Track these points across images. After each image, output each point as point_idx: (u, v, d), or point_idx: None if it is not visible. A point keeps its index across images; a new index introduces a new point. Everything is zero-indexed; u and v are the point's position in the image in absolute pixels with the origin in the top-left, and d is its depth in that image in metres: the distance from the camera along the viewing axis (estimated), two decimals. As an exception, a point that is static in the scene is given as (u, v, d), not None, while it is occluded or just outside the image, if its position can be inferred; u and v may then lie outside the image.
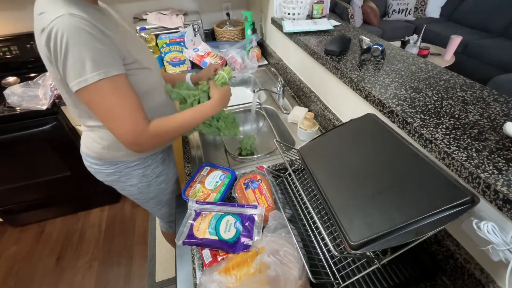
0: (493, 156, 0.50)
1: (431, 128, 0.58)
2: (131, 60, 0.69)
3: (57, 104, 1.44)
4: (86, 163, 0.91)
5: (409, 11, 3.74)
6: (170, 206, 1.14)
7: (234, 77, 1.51)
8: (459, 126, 0.58)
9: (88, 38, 0.58)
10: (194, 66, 1.68)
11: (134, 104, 0.67)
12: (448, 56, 2.65)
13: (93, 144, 0.83)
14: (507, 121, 0.53)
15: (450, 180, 0.47)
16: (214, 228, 0.69)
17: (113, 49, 0.63)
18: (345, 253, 0.51)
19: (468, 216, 0.53)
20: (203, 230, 0.69)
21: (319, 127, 1.10)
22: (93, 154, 0.85)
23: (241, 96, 1.41)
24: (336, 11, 3.25)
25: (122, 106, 0.65)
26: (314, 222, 0.70)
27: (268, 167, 0.94)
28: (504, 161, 0.49)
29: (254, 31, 1.72)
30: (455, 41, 2.55)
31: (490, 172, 0.47)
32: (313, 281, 0.53)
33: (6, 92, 1.39)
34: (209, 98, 0.87)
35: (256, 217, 0.71)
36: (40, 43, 0.60)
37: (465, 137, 0.55)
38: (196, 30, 1.70)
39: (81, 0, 0.63)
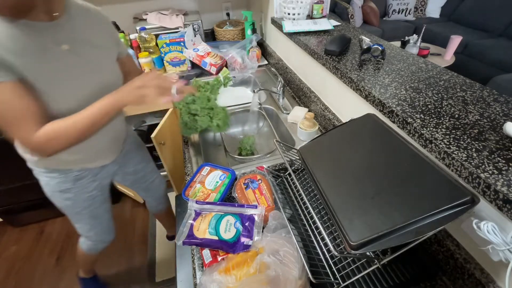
0: (493, 156, 0.50)
1: (431, 128, 0.58)
2: (35, 85, 0.66)
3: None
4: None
5: (409, 11, 3.74)
6: (84, 229, 1.07)
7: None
8: (459, 126, 0.58)
9: None
10: (194, 66, 1.67)
11: (20, 111, 0.63)
12: (448, 56, 2.65)
13: None
14: (507, 121, 0.53)
15: (450, 180, 0.47)
16: (214, 228, 0.69)
17: None
18: (345, 253, 0.51)
19: (468, 216, 0.53)
20: (203, 230, 0.69)
21: (319, 127, 1.10)
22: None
23: (241, 96, 1.41)
24: (336, 11, 3.25)
25: (6, 115, 0.63)
26: (314, 222, 0.70)
27: (268, 167, 0.94)
28: (504, 161, 0.49)
29: (254, 31, 1.72)
30: (455, 41, 2.55)
31: (490, 172, 0.47)
32: (313, 281, 0.53)
33: (6, 92, 1.38)
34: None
35: (256, 217, 0.71)
36: None
37: (465, 137, 0.55)
38: (196, 30, 1.70)
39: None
